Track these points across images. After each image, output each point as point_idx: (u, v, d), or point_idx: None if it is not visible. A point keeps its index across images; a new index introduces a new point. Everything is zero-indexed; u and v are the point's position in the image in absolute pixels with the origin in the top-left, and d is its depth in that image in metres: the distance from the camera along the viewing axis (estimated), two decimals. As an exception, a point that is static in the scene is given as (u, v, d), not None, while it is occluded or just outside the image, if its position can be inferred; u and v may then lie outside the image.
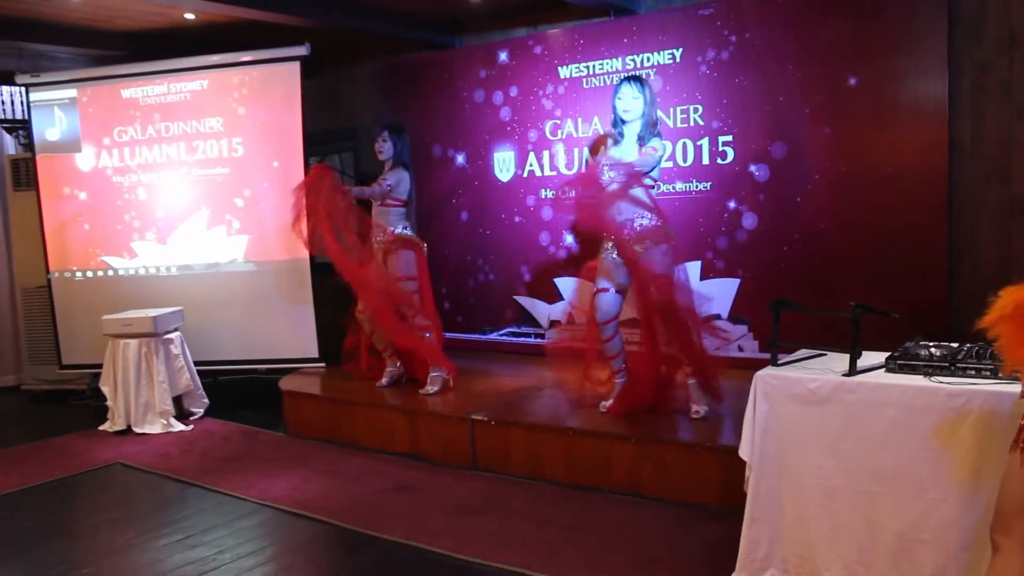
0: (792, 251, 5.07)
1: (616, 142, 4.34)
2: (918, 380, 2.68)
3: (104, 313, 5.89)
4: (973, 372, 2.62)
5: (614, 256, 4.32)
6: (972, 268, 4.64)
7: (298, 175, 6.16)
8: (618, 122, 4.31)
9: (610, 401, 4.51)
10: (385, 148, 5.29)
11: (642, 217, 4.22)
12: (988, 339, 2.08)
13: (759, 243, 5.19)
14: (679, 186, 5.45)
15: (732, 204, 5.27)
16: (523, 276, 6.23)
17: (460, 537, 3.66)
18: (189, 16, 6.10)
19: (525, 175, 6.21)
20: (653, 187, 4.32)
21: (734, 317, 5.30)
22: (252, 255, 6.34)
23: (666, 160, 5.02)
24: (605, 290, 4.34)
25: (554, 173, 6.07)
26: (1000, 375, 2.54)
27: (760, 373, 2.96)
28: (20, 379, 7.23)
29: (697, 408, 4.30)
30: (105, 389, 5.79)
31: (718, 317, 5.26)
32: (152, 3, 5.56)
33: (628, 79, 4.28)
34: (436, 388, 5.21)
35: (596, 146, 5.74)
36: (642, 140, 4.24)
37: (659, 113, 4.56)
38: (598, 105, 5.77)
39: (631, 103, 4.22)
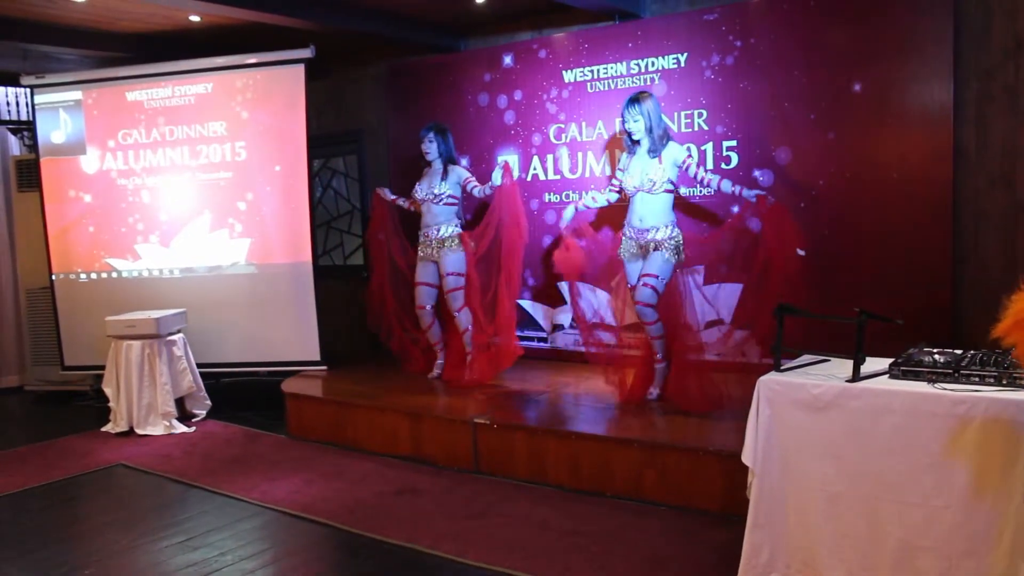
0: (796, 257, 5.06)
1: (629, 152, 4.75)
2: (922, 386, 2.67)
3: (107, 315, 5.90)
4: (977, 379, 2.61)
5: (632, 251, 4.72)
6: (976, 275, 4.63)
7: (301, 178, 6.20)
8: (629, 135, 4.72)
9: (656, 389, 4.83)
10: (431, 149, 5.60)
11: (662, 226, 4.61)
12: (1002, 348, 2.02)
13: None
14: (683, 190, 5.43)
15: (735, 209, 5.26)
16: (527, 280, 6.22)
17: (462, 541, 3.66)
18: (194, 18, 6.11)
19: (529, 179, 6.21)
20: (673, 192, 4.69)
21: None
22: (254, 258, 6.35)
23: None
24: (649, 276, 4.61)
25: (558, 177, 6.06)
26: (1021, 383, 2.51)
27: (763, 379, 2.96)
28: (23, 380, 7.26)
29: (651, 389, 4.77)
30: (108, 390, 5.80)
31: (721, 322, 5.25)
32: (157, 5, 5.57)
33: (627, 103, 4.63)
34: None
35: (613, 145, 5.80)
36: (654, 153, 4.60)
37: (665, 119, 4.84)
38: (602, 109, 5.78)
39: (633, 125, 4.64)
